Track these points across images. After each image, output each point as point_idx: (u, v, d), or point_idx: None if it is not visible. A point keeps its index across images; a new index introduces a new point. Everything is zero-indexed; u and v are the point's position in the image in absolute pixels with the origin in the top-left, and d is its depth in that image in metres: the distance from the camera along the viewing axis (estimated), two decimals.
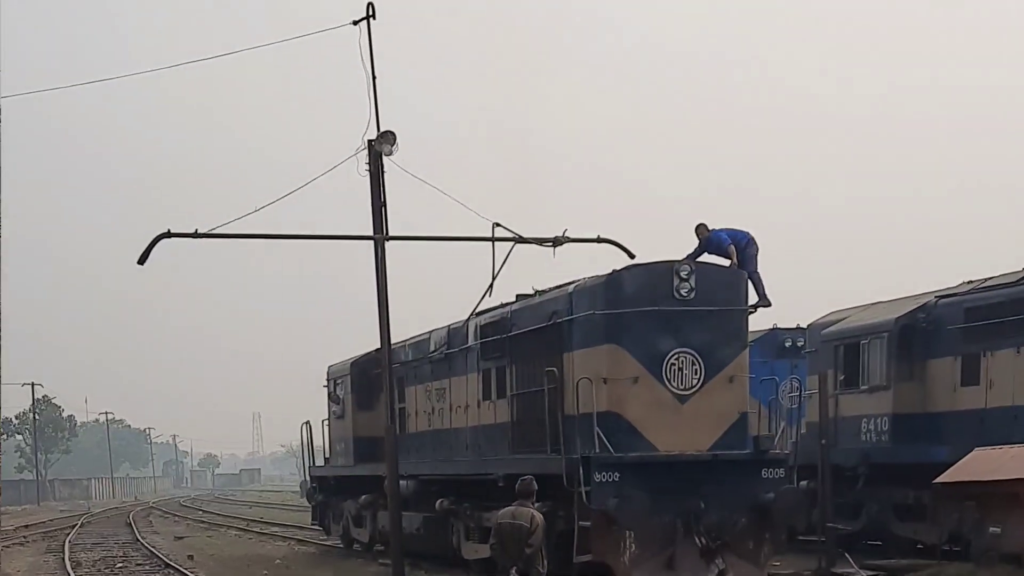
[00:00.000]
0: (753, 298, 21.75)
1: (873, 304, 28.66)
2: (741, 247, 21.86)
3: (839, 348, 27.35)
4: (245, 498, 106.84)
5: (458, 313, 25.57)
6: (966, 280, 26.48)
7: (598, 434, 20.01)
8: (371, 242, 22.46)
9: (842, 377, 26.89)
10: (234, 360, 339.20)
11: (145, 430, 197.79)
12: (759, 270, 21.99)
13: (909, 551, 25.00)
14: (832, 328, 27.99)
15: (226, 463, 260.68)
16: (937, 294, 26.30)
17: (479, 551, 24.14)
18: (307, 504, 71.56)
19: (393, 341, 29.98)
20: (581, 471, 19.73)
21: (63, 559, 33.48)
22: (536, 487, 15.31)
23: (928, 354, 25.69)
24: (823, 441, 22.99)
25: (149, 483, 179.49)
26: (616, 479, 19.83)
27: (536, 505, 15.15)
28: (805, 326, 30.39)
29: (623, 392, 20.45)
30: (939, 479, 21.63)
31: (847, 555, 22.66)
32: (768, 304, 21.80)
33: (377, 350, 31.39)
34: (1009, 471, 19.90)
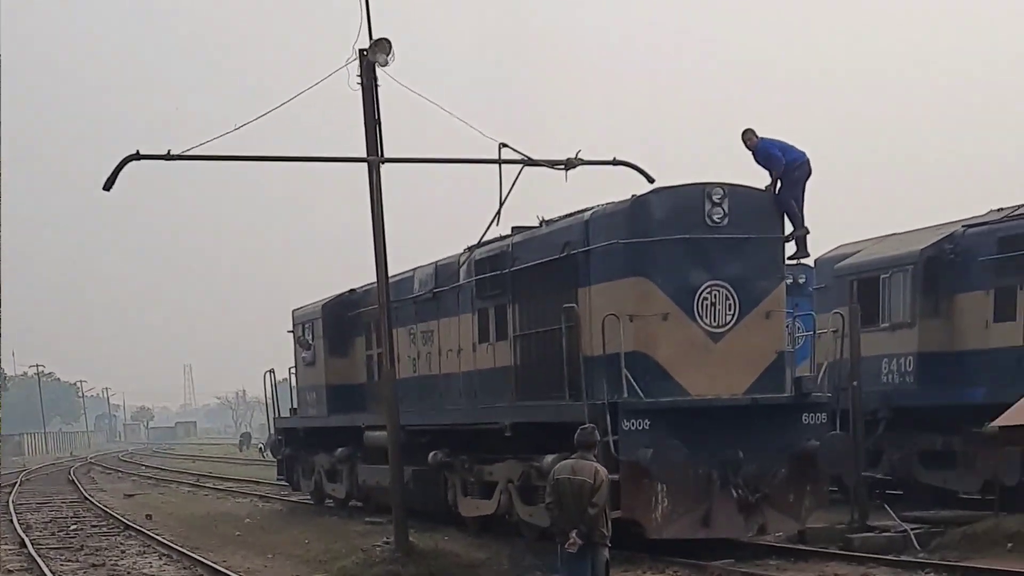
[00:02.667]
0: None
1: (888, 236, 26.85)
2: (792, 167, 19.67)
3: (854, 283, 25.47)
4: (185, 452, 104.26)
5: (460, 245, 23.48)
6: (995, 208, 24.67)
7: (626, 377, 18.04)
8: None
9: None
10: (164, 310, 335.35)
11: (76, 383, 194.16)
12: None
13: (930, 501, 23.25)
14: (847, 262, 26.12)
15: (159, 416, 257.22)
16: (964, 223, 24.48)
17: (479, 507, 22.23)
18: (253, 458, 70.18)
19: (373, 280, 27.97)
20: (608, 418, 17.73)
21: (11, 521, 31.11)
22: (598, 437, 13.28)
23: (956, 288, 23.91)
24: (855, 383, 21.03)
25: (82, 438, 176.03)
26: (646, 427, 17.96)
27: (588, 456, 13.03)
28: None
29: (652, 330, 18.53)
30: (998, 422, 19.77)
31: (887, 507, 20.83)
32: (806, 231, 19.73)
33: (351, 291, 29.65)
34: None
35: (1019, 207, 23.87)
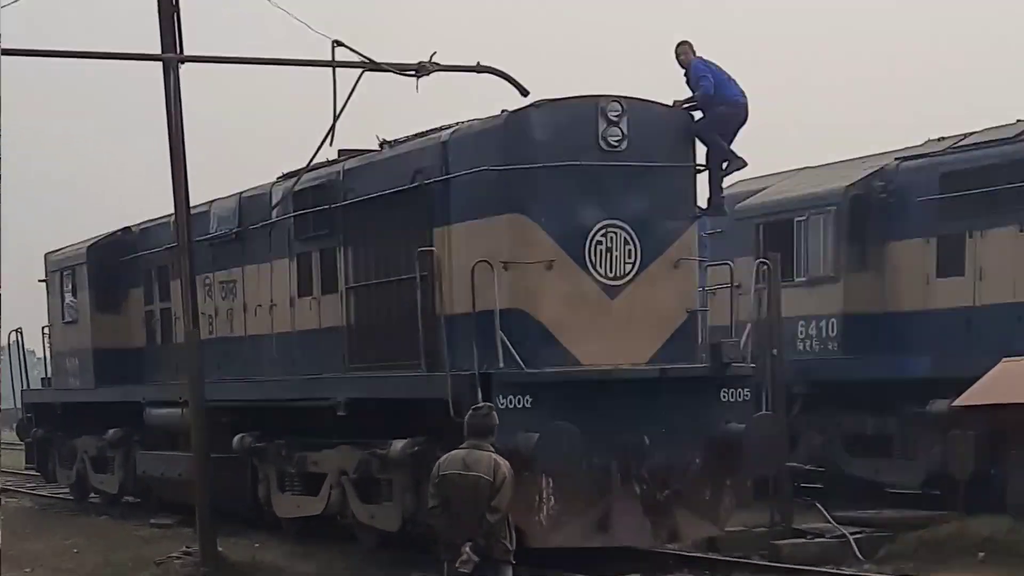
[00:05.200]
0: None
1: (802, 169, 26.32)
2: (719, 101, 18.54)
3: (760, 228, 24.80)
4: None
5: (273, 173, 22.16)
6: (933, 138, 24.15)
7: (502, 340, 16.87)
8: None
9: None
10: None
11: None
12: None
13: (856, 497, 22.65)
14: (750, 201, 25.40)
15: None
16: (897, 155, 23.96)
17: (301, 506, 21.02)
18: None
19: (157, 216, 26.48)
20: (479, 393, 16.54)
21: None
22: (497, 421, 12.09)
23: (890, 235, 23.48)
24: (774, 351, 20.12)
25: None
26: (528, 404, 16.81)
27: (484, 446, 11.86)
28: None
29: (532, 282, 17.40)
30: (960, 401, 19.22)
31: (818, 505, 20.18)
32: (743, 163, 18.71)
33: (125, 229, 28.12)
34: None
35: (964, 136, 23.42)
